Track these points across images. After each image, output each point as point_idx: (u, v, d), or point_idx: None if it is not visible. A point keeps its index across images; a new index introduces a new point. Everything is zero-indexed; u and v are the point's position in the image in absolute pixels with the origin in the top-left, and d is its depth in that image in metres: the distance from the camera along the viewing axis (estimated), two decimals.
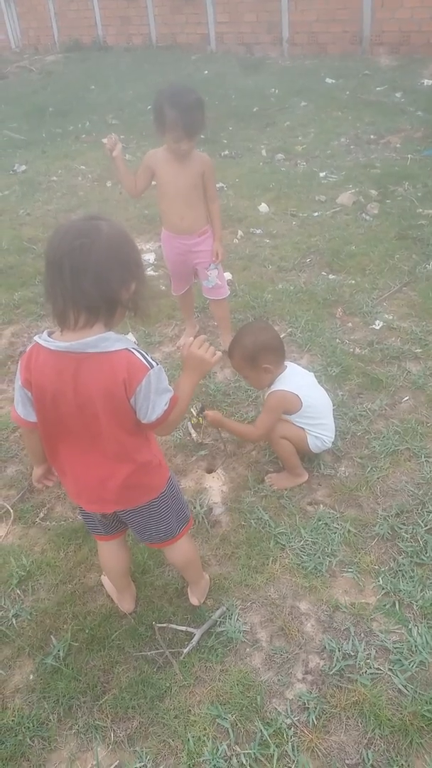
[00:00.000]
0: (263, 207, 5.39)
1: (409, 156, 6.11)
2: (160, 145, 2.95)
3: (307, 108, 8.22)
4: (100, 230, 1.43)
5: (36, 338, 1.53)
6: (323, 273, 4.24)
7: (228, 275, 4.22)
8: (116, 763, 1.73)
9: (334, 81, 9.09)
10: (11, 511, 2.55)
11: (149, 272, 4.46)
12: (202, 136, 7.34)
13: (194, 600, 2.09)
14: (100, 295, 1.44)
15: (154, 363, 1.51)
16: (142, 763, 1.72)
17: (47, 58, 14.44)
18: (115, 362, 1.47)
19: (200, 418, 2.93)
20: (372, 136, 6.93)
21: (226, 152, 6.99)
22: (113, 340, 1.48)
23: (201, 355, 1.69)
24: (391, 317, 3.64)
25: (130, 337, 3.66)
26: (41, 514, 2.54)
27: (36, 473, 1.85)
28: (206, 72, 10.76)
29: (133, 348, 1.51)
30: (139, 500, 1.76)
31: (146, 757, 1.73)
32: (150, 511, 1.80)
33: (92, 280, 1.41)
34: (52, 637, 2.04)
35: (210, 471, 2.71)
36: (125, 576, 2.07)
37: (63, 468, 1.70)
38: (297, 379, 2.53)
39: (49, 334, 1.52)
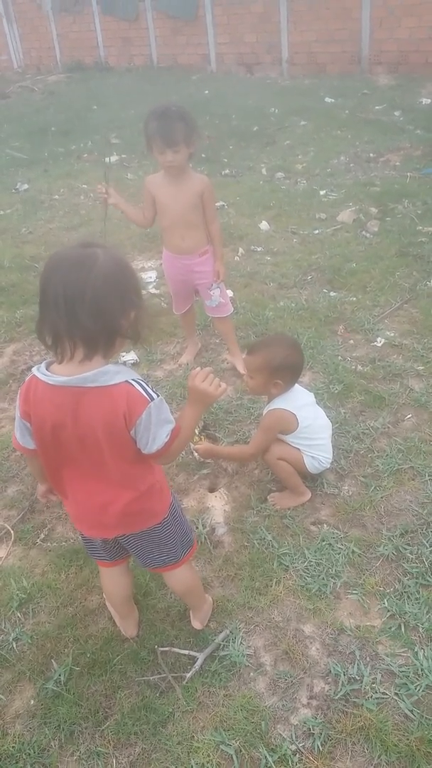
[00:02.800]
0: (264, 225, 5.42)
1: (408, 174, 6.15)
2: (159, 169, 2.97)
3: (307, 127, 8.30)
4: (96, 260, 1.39)
5: (34, 371, 1.51)
6: (324, 290, 4.25)
7: (229, 293, 4.22)
8: None
9: (333, 100, 9.19)
10: (12, 532, 2.53)
11: (151, 290, 4.48)
12: (203, 155, 7.46)
13: (197, 624, 2.06)
14: (99, 327, 1.40)
15: (154, 395, 1.50)
16: None
17: (49, 78, 14.62)
18: (115, 396, 1.46)
19: (202, 437, 2.92)
20: (371, 155, 6.99)
21: (227, 171, 7.05)
22: (113, 373, 1.46)
23: (205, 389, 1.64)
24: (392, 334, 3.64)
25: (131, 354, 3.66)
26: (42, 535, 2.52)
27: (40, 489, 1.86)
28: (207, 92, 10.89)
29: (133, 380, 1.49)
30: (140, 525, 1.74)
31: None
32: (152, 536, 1.78)
33: (90, 313, 1.37)
34: (53, 661, 2.01)
35: (212, 490, 2.69)
36: (128, 602, 2.04)
37: (65, 492, 1.69)
38: (297, 397, 2.52)
39: (47, 366, 1.50)
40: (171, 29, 12.87)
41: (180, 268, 3.17)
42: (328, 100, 9.24)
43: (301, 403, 2.52)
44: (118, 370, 1.48)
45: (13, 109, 11.82)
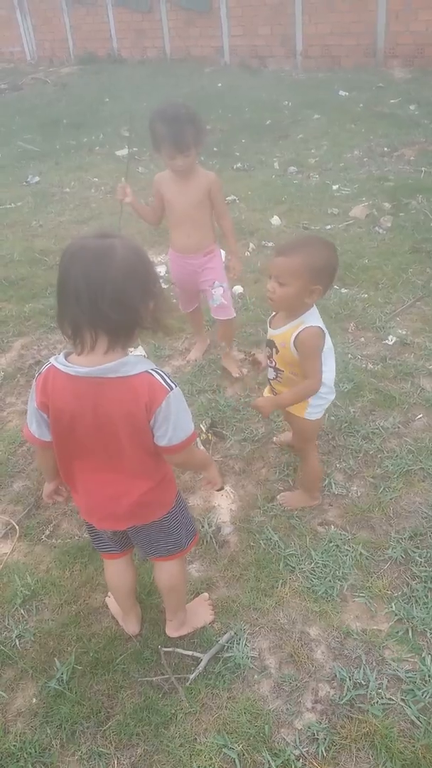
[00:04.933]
0: (275, 220, 5.37)
1: (423, 169, 6.06)
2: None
3: (320, 121, 8.21)
4: (115, 250, 1.40)
5: (52, 361, 1.52)
6: (335, 287, 4.19)
7: (239, 288, 4.20)
8: None
9: (347, 93, 9.08)
10: (17, 527, 2.52)
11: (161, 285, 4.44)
12: (215, 149, 7.40)
13: (171, 631, 2.02)
14: (120, 317, 1.42)
15: (173, 385, 1.51)
16: None
17: (62, 70, 14.57)
18: (137, 386, 1.47)
19: (209, 435, 2.90)
20: (386, 149, 6.90)
21: (239, 165, 6.98)
22: (133, 364, 1.47)
23: (215, 477, 1.86)
24: (404, 332, 3.59)
25: (140, 350, 3.64)
26: (47, 531, 2.50)
27: (47, 489, 1.84)
28: (220, 84, 10.80)
29: (153, 369, 1.50)
30: (151, 516, 1.75)
31: None
32: (161, 526, 1.79)
33: (111, 303, 1.38)
34: (55, 659, 2.00)
35: (219, 489, 2.66)
36: (131, 595, 2.03)
37: (75, 485, 1.70)
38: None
39: (66, 356, 1.51)
40: (184, 21, 12.75)
41: (186, 267, 3.13)
42: (342, 93, 9.13)
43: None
44: (138, 361, 1.50)
45: (25, 101, 11.79)
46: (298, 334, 2.06)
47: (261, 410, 2.16)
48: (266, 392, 2.39)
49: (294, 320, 2.10)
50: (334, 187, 5.98)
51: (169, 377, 1.52)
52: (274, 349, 2.17)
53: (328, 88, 9.49)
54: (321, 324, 2.09)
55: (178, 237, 3.06)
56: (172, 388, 1.50)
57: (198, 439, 2.88)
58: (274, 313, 2.23)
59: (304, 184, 6.17)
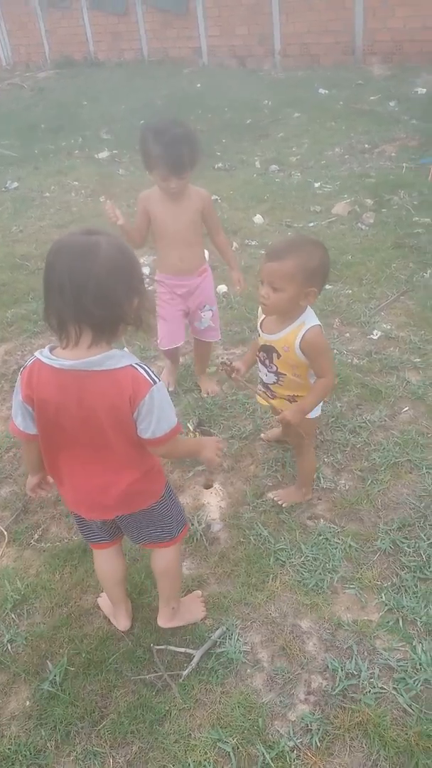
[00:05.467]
0: (258, 218, 5.39)
1: (404, 165, 6.11)
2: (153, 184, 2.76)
3: (301, 119, 8.25)
4: (100, 247, 1.42)
5: (37, 354, 1.55)
6: None
7: (223, 287, 4.21)
8: None
9: (327, 91, 9.13)
10: (5, 533, 2.50)
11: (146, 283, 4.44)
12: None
13: (161, 620, 2.03)
14: (104, 313, 1.45)
15: (157, 379, 1.54)
16: None
17: (39, 75, 14.51)
18: (121, 379, 1.50)
19: (196, 433, 2.91)
20: (366, 146, 6.94)
21: (220, 164, 7.00)
22: (118, 357, 1.50)
23: (212, 458, 1.79)
24: (389, 327, 3.62)
25: (125, 351, 3.63)
26: (36, 536, 2.49)
27: (30, 482, 1.86)
28: (199, 85, 10.81)
29: (137, 364, 1.53)
30: (140, 505, 1.77)
31: None
32: (151, 514, 1.81)
33: (95, 299, 1.42)
34: (48, 662, 2.00)
35: (208, 486, 2.67)
36: (121, 586, 2.04)
37: (62, 478, 1.72)
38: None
39: (51, 350, 1.53)
40: (161, 23, 12.76)
41: (178, 289, 2.91)
42: (321, 91, 9.18)
43: None
44: (123, 355, 1.52)
45: (2, 107, 11.73)
46: (303, 336, 2.05)
47: (290, 423, 2.10)
48: (260, 398, 2.39)
49: (293, 323, 2.09)
50: (316, 185, 6.01)
51: (153, 371, 1.54)
52: (274, 354, 2.17)
53: (308, 87, 9.54)
54: (319, 322, 2.10)
55: (170, 259, 2.86)
56: (155, 382, 1.52)
57: (185, 438, 2.88)
58: (262, 318, 2.22)
59: (285, 183, 6.20)
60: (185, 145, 2.51)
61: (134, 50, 13.68)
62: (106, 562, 2.00)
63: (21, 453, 2.84)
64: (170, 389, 3.16)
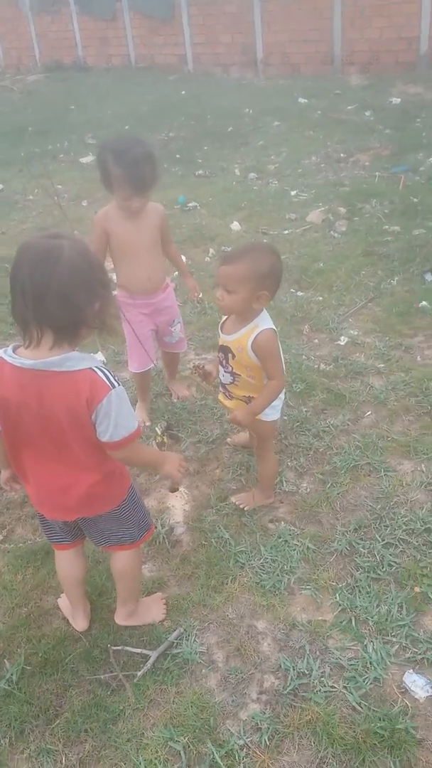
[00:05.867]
0: (235, 225, 5.45)
1: (377, 174, 6.20)
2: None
3: (280, 127, 8.34)
4: (62, 250, 1.45)
5: (0, 353, 1.57)
6: (292, 290, 4.28)
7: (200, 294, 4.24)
8: None
9: (306, 101, 9.24)
10: None
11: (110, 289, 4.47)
12: (177, 156, 7.46)
13: (118, 618, 2.08)
14: (65, 316, 1.48)
15: (116, 383, 1.56)
16: None
17: (29, 78, 14.53)
18: (79, 381, 1.52)
19: (164, 437, 2.93)
20: (342, 155, 7.04)
21: (201, 171, 7.06)
22: (77, 360, 1.53)
23: (173, 473, 1.81)
24: (356, 333, 3.68)
25: (99, 356, 3.66)
26: (0, 537, 2.51)
27: (3, 476, 1.88)
28: (183, 92, 10.89)
29: (97, 367, 1.55)
30: (100, 509, 1.80)
31: None
32: (112, 517, 1.84)
33: (55, 301, 1.45)
34: (5, 660, 2.02)
35: (173, 490, 2.67)
36: (80, 587, 2.06)
37: (26, 475, 1.74)
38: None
39: (14, 350, 1.56)
40: (148, 29, 12.85)
41: (144, 309, 2.85)
42: (301, 100, 9.29)
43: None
44: (83, 357, 1.55)
45: None
46: (255, 338, 2.12)
47: (240, 424, 2.19)
48: (221, 398, 2.44)
49: (248, 324, 2.15)
50: (293, 193, 6.09)
51: (113, 375, 1.56)
52: (229, 354, 2.22)
53: (288, 96, 9.65)
54: (273, 326, 2.16)
55: (137, 280, 2.78)
56: (114, 386, 1.54)
57: (153, 442, 2.91)
58: (224, 318, 2.28)
59: (263, 190, 6.27)
60: (147, 165, 2.49)
61: (122, 56, 13.75)
62: (67, 563, 2.02)
63: None
64: (147, 425, 3.07)
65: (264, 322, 2.14)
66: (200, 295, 3.09)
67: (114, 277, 2.81)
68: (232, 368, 2.23)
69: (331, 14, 9.85)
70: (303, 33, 10.35)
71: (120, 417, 1.57)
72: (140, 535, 1.94)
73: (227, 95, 10.22)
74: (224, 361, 2.25)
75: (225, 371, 2.28)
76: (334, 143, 7.38)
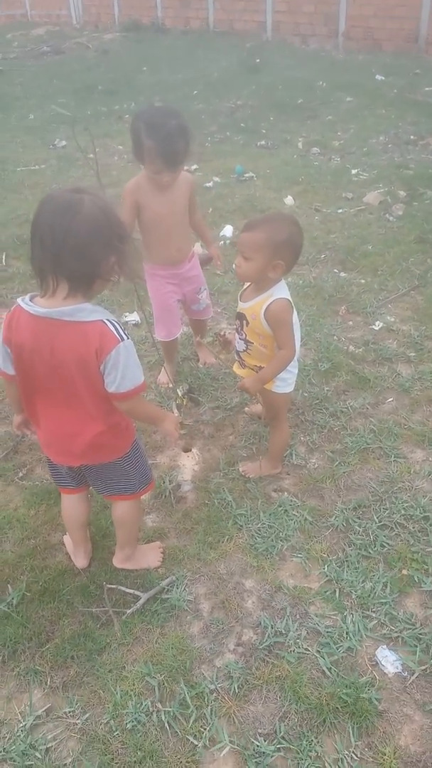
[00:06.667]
0: (289, 200, 5.42)
1: None
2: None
3: (352, 103, 8.16)
4: (82, 204, 1.51)
5: (18, 300, 1.65)
6: (335, 270, 4.27)
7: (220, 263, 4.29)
8: (48, 706, 1.86)
9: (383, 78, 8.98)
10: None
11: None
12: (242, 125, 7.40)
13: (116, 561, 2.20)
14: (80, 267, 1.54)
15: (125, 336, 1.62)
16: (72, 709, 1.84)
17: (105, 36, 14.58)
18: (89, 332, 1.59)
19: (184, 399, 3.03)
20: (412, 137, 6.86)
21: (263, 142, 7.01)
22: (89, 311, 1.59)
23: (170, 430, 1.91)
24: (392, 319, 3.66)
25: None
26: (20, 474, 2.68)
27: (16, 420, 2.00)
28: (258, 60, 10.73)
29: (108, 319, 1.61)
30: (103, 458, 1.90)
31: (76, 704, 1.85)
32: (114, 469, 1.94)
33: (71, 253, 1.51)
34: (8, 585, 2.18)
35: (186, 450, 2.80)
36: (82, 529, 2.19)
37: (37, 419, 1.83)
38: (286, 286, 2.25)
39: (31, 298, 1.64)
40: None
41: (172, 279, 2.88)
42: (378, 77, 9.04)
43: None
44: (95, 309, 1.61)
45: (65, 66, 11.87)
46: (267, 307, 2.16)
47: (248, 391, 2.24)
48: (235, 367, 2.51)
49: (263, 293, 2.19)
50: (353, 171, 6.00)
51: (122, 328, 1.63)
52: (244, 322, 2.28)
53: (366, 71, 9.40)
54: (289, 297, 2.20)
55: (167, 251, 2.78)
56: (123, 339, 1.61)
57: (173, 402, 3.02)
58: (245, 287, 2.34)
59: (323, 166, 6.20)
60: (180, 139, 2.45)
61: (201, 19, 13.62)
62: (71, 506, 2.15)
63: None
64: (170, 386, 3.12)
65: (279, 291, 2.17)
66: (221, 264, 3.14)
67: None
68: (246, 335, 2.29)
69: None
70: (390, 8, 10.02)
71: (127, 369, 1.64)
72: (140, 487, 2.04)
73: (302, 66, 10.02)
74: (239, 328, 2.31)
75: (240, 338, 2.34)
76: (405, 124, 7.19)
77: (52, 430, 1.83)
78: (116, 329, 1.61)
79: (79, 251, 1.51)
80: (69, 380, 1.67)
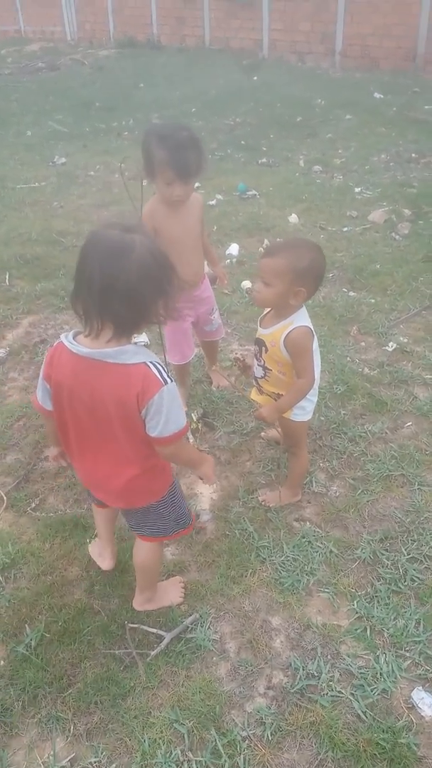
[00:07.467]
0: (293, 218, 5.40)
1: None
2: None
3: (351, 121, 8.19)
4: (134, 247, 1.45)
5: (62, 337, 1.61)
6: (344, 289, 4.24)
7: (247, 283, 4.25)
8: (72, 756, 1.77)
9: (382, 96, 9.04)
10: (5, 498, 2.61)
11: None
12: (242, 142, 7.41)
13: (135, 603, 2.13)
14: (128, 313, 1.49)
15: (168, 379, 1.57)
16: (97, 759, 1.75)
17: (100, 53, 14.65)
18: (132, 375, 1.53)
19: (199, 424, 2.97)
20: (413, 155, 6.88)
21: (264, 160, 7.01)
22: (132, 353, 1.54)
23: (209, 473, 1.87)
24: (405, 340, 3.62)
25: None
26: (33, 504, 2.59)
27: (53, 452, 1.95)
28: (255, 78, 10.80)
29: (151, 362, 1.55)
30: (140, 502, 1.84)
31: (102, 753, 1.76)
32: (148, 511, 1.87)
33: (121, 299, 1.46)
34: (26, 625, 2.09)
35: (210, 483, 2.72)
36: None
37: (73, 456, 1.80)
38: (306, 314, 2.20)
39: (74, 336, 1.59)
40: (226, 11, 12.76)
41: (186, 302, 2.77)
42: (377, 95, 9.10)
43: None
44: (138, 351, 1.56)
45: (60, 82, 11.89)
46: (288, 334, 2.10)
47: (265, 420, 2.19)
48: (253, 393, 2.45)
49: (283, 320, 2.14)
50: (357, 190, 5.99)
51: (165, 371, 1.57)
52: (263, 348, 2.23)
53: (364, 90, 9.46)
54: (310, 324, 2.14)
55: (183, 274, 2.58)
56: (166, 383, 1.55)
57: (189, 428, 2.95)
58: (265, 313, 2.29)
59: (326, 184, 6.19)
60: (192, 150, 2.42)
61: (196, 37, 13.71)
62: (103, 513, 2.14)
63: (43, 426, 2.95)
64: (184, 410, 3.03)
65: (300, 319, 2.12)
66: (227, 283, 3.13)
67: None
68: (265, 362, 2.24)
69: (419, 10, 9.57)
70: (387, 27, 10.11)
71: (171, 413, 1.58)
72: (175, 530, 1.96)
73: (300, 84, 10.09)
74: (258, 354, 2.26)
75: (258, 364, 2.29)
76: (406, 142, 7.22)
77: (89, 470, 1.79)
78: (159, 372, 1.55)
79: (128, 297, 1.46)
80: (106, 422, 1.61)
